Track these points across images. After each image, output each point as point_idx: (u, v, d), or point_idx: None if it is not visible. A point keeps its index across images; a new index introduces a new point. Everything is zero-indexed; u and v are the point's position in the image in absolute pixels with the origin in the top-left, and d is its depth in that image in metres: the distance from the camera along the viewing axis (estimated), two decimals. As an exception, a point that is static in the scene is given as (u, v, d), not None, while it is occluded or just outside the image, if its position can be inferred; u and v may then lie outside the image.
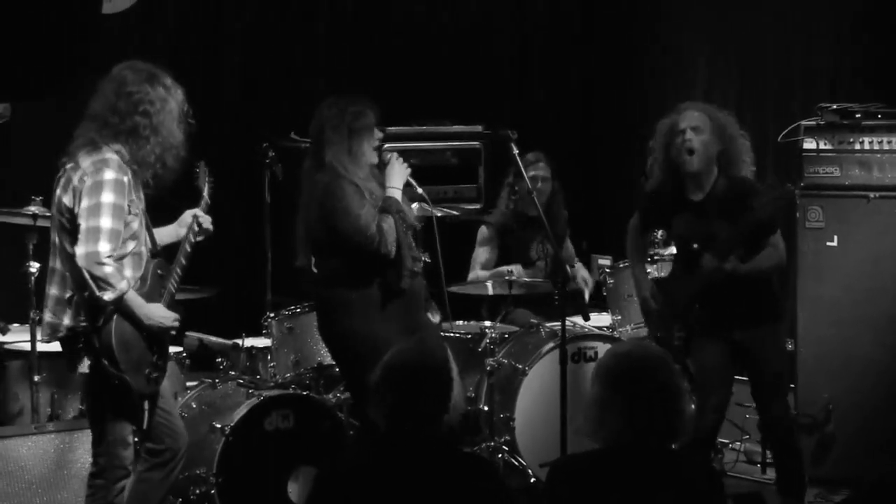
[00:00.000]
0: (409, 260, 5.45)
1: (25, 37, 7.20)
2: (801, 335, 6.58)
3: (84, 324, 4.78)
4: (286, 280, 6.99)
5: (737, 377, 5.88)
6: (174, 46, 8.43)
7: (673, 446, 3.55)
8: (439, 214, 6.06)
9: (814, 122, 6.57)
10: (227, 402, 6.09)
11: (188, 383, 6.38)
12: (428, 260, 5.65)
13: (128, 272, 4.81)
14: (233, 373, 6.43)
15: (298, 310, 6.43)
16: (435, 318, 5.73)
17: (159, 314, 4.85)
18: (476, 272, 7.24)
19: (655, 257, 6.98)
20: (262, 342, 6.57)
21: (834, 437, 6.52)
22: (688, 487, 3.48)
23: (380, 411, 3.73)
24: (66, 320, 4.82)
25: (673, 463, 3.56)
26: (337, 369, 6.08)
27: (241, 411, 5.87)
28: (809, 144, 6.55)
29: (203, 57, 8.57)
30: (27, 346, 6.11)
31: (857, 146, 6.51)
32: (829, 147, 6.55)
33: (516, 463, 6.38)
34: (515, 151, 5.83)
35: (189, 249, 5.09)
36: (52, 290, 4.87)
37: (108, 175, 4.73)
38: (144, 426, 4.90)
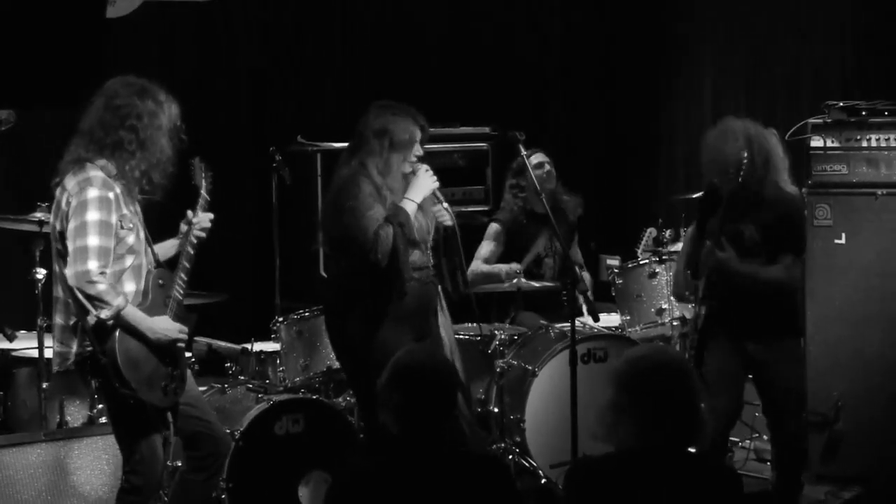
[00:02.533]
0: (406, 273, 5.42)
1: (29, 43, 7.20)
2: (811, 333, 6.55)
3: (90, 348, 4.72)
4: (295, 284, 7.01)
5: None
6: (182, 50, 8.43)
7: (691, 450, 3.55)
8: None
9: (821, 120, 6.56)
10: (237, 407, 6.09)
11: (197, 388, 6.37)
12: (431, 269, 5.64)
13: (129, 287, 4.77)
14: (242, 377, 6.44)
15: (307, 314, 6.43)
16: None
17: (163, 326, 4.79)
18: (477, 263, 7.18)
19: (664, 256, 6.98)
20: (271, 346, 6.57)
21: (843, 435, 6.51)
22: (706, 491, 3.48)
23: (388, 413, 3.74)
24: (75, 347, 4.77)
25: (691, 466, 3.55)
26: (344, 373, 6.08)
27: (251, 416, 5.88)
28: (817, 142, 6.53)
29: (211, 60, 8.56)
30: (35, 353, 6.12)
31: (865, 143, 6.49)
32: (836, 145, 6.53)
33: (527, 464, 6.38)
34: (524, 153, 5.83)
35: (192, 252, 4.99)
36: (58, 319, 4.82)
37: (92, 193, 4.67)
38: (171, 440, 4.87)
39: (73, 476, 5.59)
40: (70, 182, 4.73)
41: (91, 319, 4.65)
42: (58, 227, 4.76)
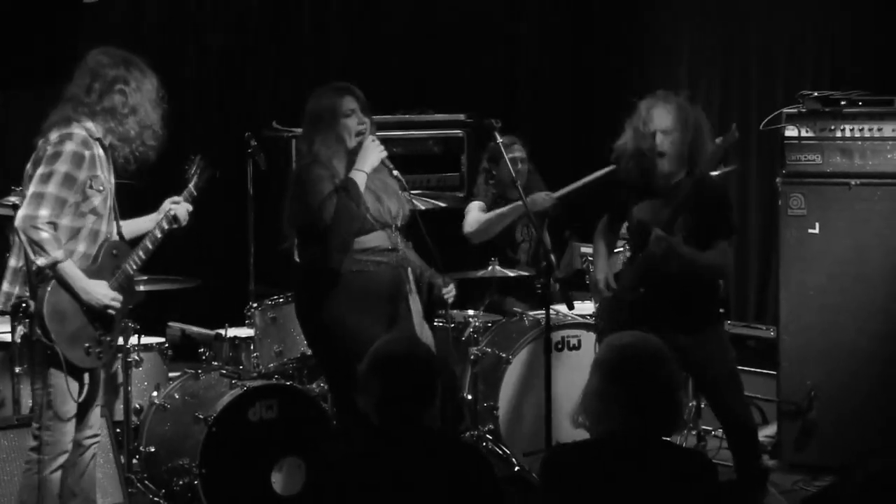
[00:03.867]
0: (340, 239, 5.33)
1: (3, 25, 7.16)
2: (784, 322, 6.60)
3: (27, 293, 4.80)
4: (269, 270, 6.99)
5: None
6: (158, 36, 8.39)
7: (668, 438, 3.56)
8: (423, 208, 6.04)
9: (795, 110, 6.58)
10: (211, 393, 6.06)
11: (171, 374, 6.36)
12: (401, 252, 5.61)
13: (80, 247, 4.84)
14: (216, 363, 6.41)
15: (281, 300, 6.41)
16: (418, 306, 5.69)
17: (97, 291, 4.85)
18: (475, 215, 7.14)
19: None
20: (245, 332, 6.54)
21: (816, 424, 6.54)
22: (683, 478, 3.48)
23: (369, 401, 3.73)
24: (17, 289, 4.85)
25: (668, 454, 3.55)
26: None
27: (225, 402, 5.85)
28: (791, 132, 6.57)
29: (187, 46, 8.53)
30: (7, 338, 6.08)
31: (839, 133, 6.52)
32: (810, 134, 6.56)
33: (500, 452, 6.38)
34: (499, 140, 5.81)
35: (159, 235, 5.09)
36: (12, 261, 4.91)
37: (69, 147, 4.77)
38: (79, 400, 4.89)
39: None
40: (54, 134, 4.81)
41: (34, 265, 4.73)
42: (30, 171, 4.83)
